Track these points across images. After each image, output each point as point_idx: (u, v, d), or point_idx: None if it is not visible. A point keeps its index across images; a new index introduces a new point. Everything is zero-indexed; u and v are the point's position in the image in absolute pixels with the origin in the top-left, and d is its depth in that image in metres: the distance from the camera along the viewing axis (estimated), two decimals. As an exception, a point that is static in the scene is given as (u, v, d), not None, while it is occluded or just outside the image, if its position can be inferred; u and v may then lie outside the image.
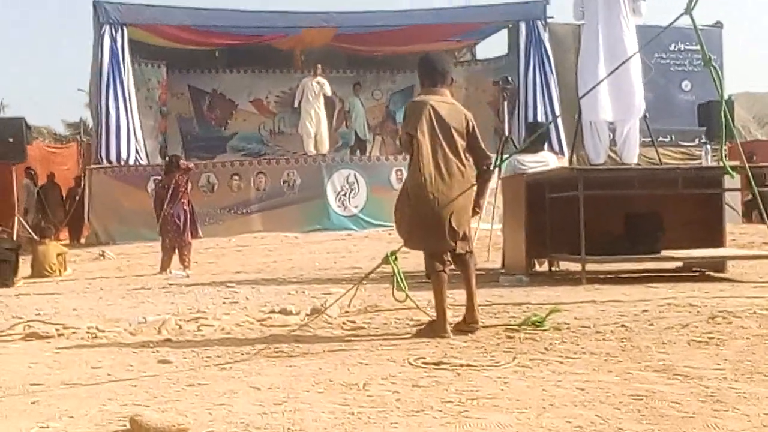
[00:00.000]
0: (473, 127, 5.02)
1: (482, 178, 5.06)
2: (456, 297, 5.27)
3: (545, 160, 8.51)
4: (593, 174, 7.89)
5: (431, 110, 4.91)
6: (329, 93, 16.87)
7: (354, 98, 18.24)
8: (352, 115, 18.14)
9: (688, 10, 3.84)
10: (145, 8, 16.82)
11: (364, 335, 5.02)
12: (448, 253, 4.94)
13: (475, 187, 5.00)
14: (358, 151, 17.93)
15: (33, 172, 17.35)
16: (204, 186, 14.90)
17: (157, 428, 2.90)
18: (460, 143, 4.94)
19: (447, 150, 4.89)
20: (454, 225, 4.85)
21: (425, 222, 4.85)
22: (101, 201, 15.27)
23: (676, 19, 4.05)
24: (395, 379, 3.68)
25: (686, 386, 3.38)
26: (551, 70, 17.14)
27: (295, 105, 16.95)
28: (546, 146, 9.35)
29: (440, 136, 4.89)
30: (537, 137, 8.75)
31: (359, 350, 4.47)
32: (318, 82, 16.65)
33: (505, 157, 8.06)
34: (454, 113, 4.98)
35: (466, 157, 4.96)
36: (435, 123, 4.90)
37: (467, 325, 4.90)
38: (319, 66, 16.90)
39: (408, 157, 5.07)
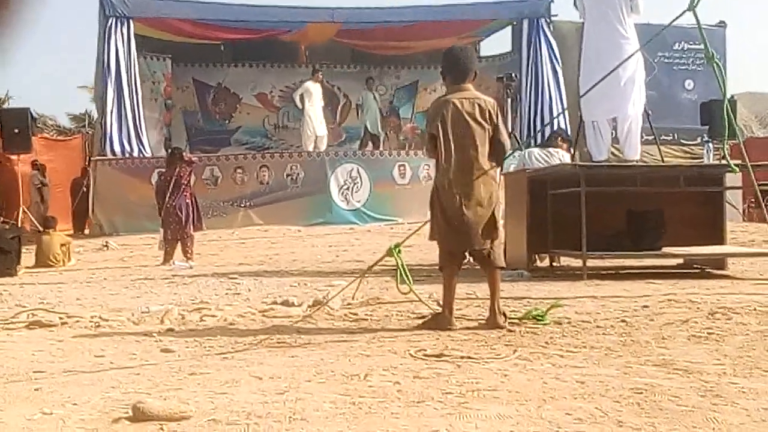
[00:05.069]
0: (497, 115, 4.94)
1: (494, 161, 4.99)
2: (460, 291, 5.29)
3: (557, 154, 8.52)
4: (595, 171, 7.89)
5: (454, 109, 4.86)
6: (320, 97, 16.79)
7: (366, 92, 18.16)
8: (364, 108, 18.06)
9: (691, 7, 3.86)
10: (151, 2, 16.81)
11: (365, 327, 5.04)
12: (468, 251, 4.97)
13: (496, 182, 5.00)
14: (370, 144, 17.77)
15: (39, 164, 17.36)
16: (208, 179, 14.94)
17: (159, 416, 2.93)
18: (485, 140, 4.86)
19: (470, 149, 4.83)
20: (480, 223, 4.82)
21: (452, 221, 4.84)
22: (105, 193, 15.28)
23: (680, 15, 4.08)
24: (396, 371, 3.69)
25: (686, 381, 3.39)
26: (555, 67, 17.13)
27: (297, 103, 16.86)
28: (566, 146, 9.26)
29: (462, 135, 4.83)
30: (553, 134, 8.83)
31: (361, 342, 4.48)
32: (317, 87, 16.67)
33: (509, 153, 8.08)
34: (477, 108, 4.89)
35: (489, 155, 4.90)
36: (458, 122, 4.84)
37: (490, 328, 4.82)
38: (320, 72, 16.97)
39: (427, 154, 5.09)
